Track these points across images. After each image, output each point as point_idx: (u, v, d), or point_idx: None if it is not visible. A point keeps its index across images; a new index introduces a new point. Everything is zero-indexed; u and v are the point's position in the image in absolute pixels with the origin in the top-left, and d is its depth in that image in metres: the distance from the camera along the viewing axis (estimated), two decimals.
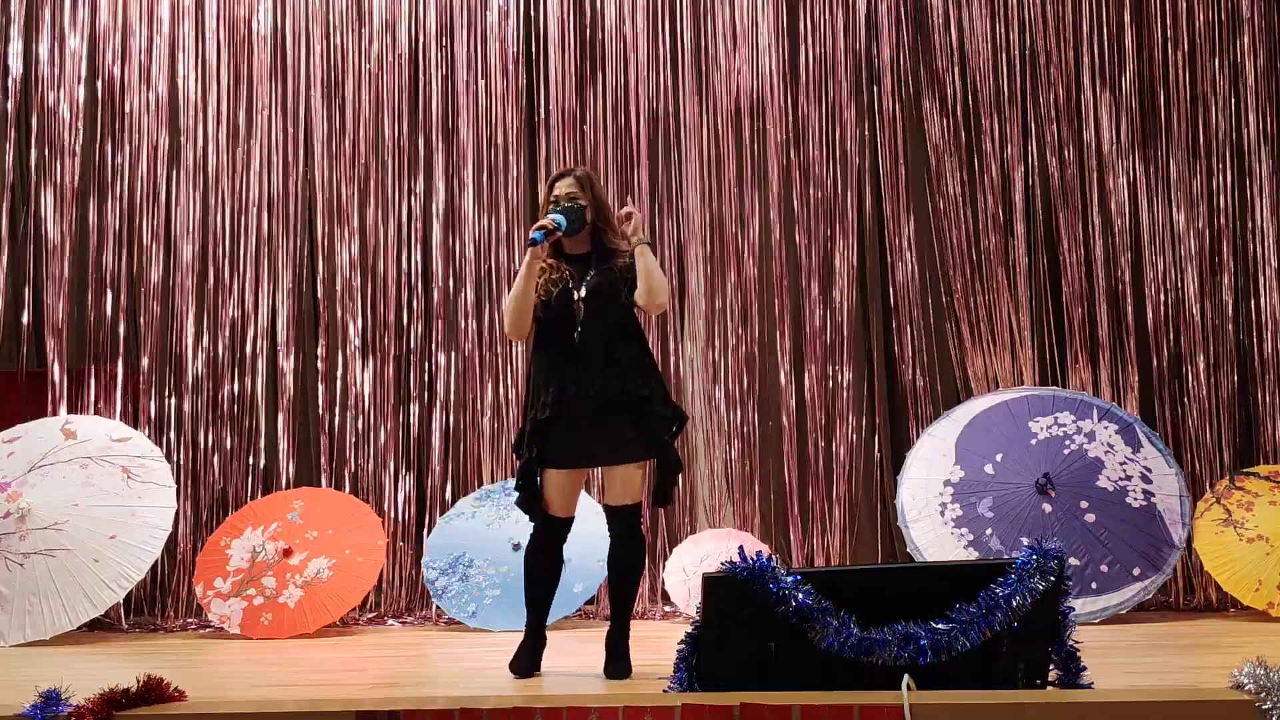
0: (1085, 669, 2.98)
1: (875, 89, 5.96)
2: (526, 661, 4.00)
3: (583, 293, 3.94)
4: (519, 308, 3.95)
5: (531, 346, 4.10)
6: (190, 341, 5.88)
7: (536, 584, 4.05)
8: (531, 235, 3.89)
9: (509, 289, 4.13)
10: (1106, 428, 5.28)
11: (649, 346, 4.14)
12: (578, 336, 3.91)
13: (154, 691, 2.83)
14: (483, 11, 6.00)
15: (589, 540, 4.91)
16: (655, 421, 3.97)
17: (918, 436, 5.58)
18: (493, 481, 5.70)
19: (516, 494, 4.04)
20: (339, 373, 5.90)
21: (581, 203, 3.99)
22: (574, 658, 4.11)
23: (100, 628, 5.34)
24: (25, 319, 5.90)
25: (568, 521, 4.01)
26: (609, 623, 4.08)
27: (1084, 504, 5.10)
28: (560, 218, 3.92)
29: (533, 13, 6.00)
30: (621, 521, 4.00)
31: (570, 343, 3.92)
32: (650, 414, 3.95)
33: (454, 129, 5.99)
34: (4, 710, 2.80)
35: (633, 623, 5.31)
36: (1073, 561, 4.89)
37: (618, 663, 3.98)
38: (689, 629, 2.98)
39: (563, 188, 4.02)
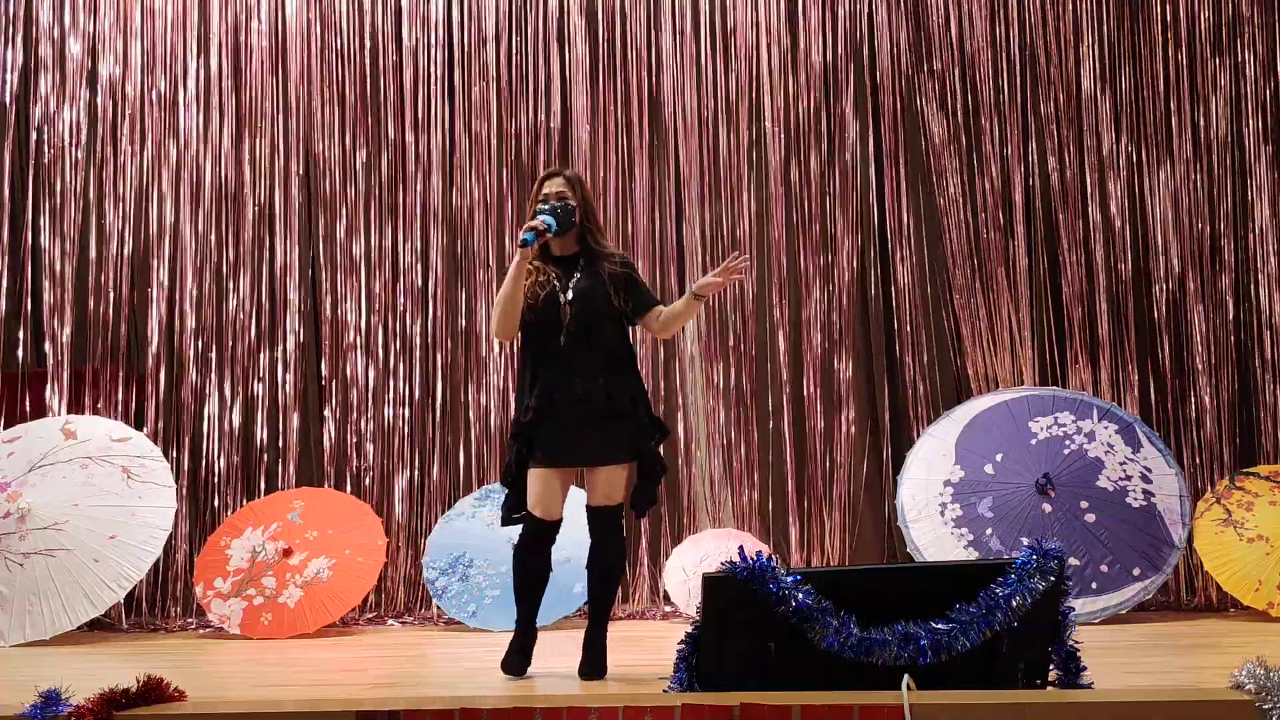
0: (1085, 669, 2.99)
1: (875, 89, 5.96)
2: (519, 660, 4.00)
3: (569, 295, 3.94)
4: (507, 309, 3.93)
5: (519, 348, 4.09)
6: (192, 340, 5.88)
7: (527, 581, 4.02)
8: (523, 237, 3.86)
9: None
10: (1106, 428, 5.28)
11: (634, 352, 4.16)
12: (563, 340, 3.91)
13: (154, 691, 2.84)
14: (483, 10, 6.00)
15: (588, 540, 4.90)
16: (641, 428, 3.98)
17: (918, 436, 5.58)
18: (493, 482, 5.70)
19: (505, 494, 4.03)
20: (340, 373, 5.90)
21: (571, 202, 3.98)
22: (573, 658, 4.10)
23: (100, 628, 5.34)
24: (25, 319, 5.89)
25: (554, 525, 3.97)
26: (587, 623, 4.06)
27: (1084, 504, 5.10)
28: (549, 218, 3.91)
29: (536, 13, 6.00)
30: (603, 522, 3.97)
31: (555, 345, 3.91)
32: (636, 420, 3.96)
33: (456, 127, 5.98)
34: (4, 710, 2.80)
35: (632, 623, 5.37)
36: (1073, 561, 4.89)
37: (594, 664, 3.97)
38: (689, 629, 2.98)
39: (552, 186, 4.01)
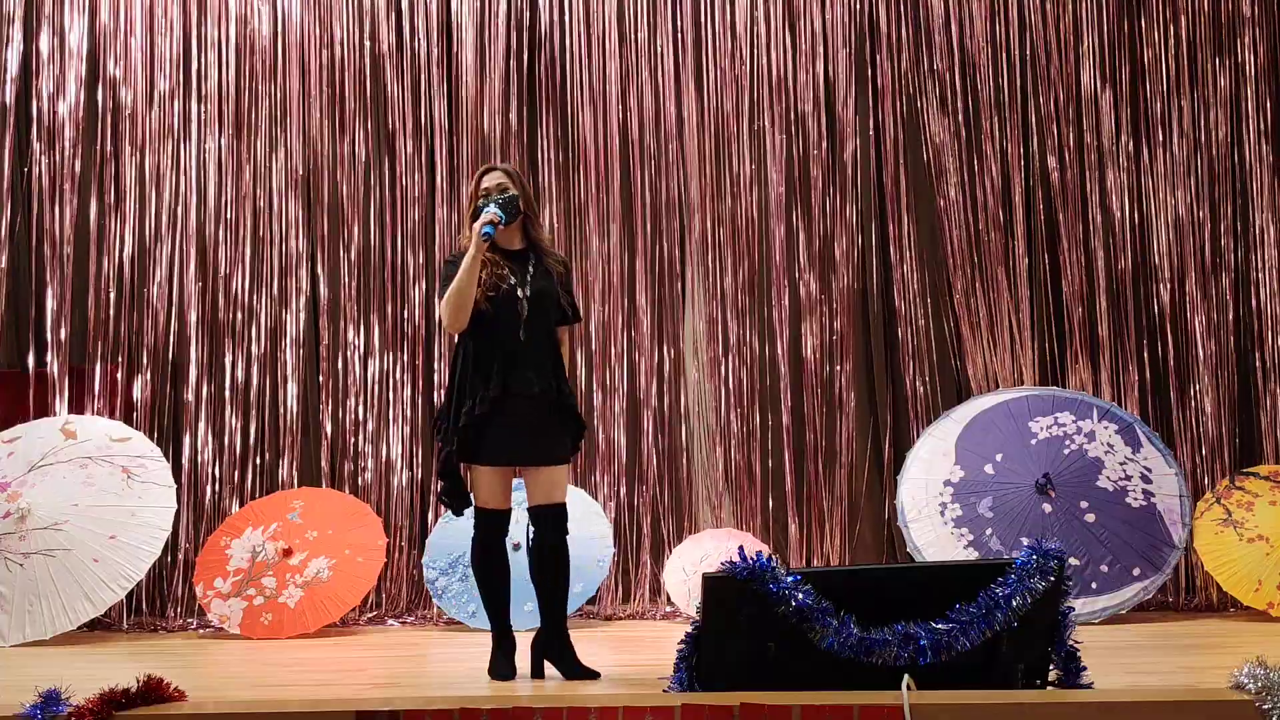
0: (1085, 669, 2.99)
1: (875, 89, 5.96)
2: (504, 668, 3.99)
3: (528, 292, 3.96)
4: (462, 301, 3.90)
5: (461, 340, 4.03)
6: (191, 341, 5.87)
7: (490, 585, 4.03)
8: (483, 230, 3.88)
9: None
10: (1106, 428, 5.28)
11: None
12: (522, 336, 3.93)
13: (154, 691, 2.84)
14: (483, 12, 6.00)
15: (588, 540, 4.91)
16: (576, 426, 4.05)
17: (918, 436, 5.58)
18: None
19: (441, 485, 4.01)
20: (340, 372, 5.89)
21: (514, 192, 4.02)
22: None
23: (100, 628, 5.34)
24: (25, 319, 5.89)
25: (505, 513, 4.01)
26: (545, 622, 4.01)
27: (1084, 504, 5.10)
28: (498, 210, 3.93)
29: (534, 13, 6.00)
30: (554, 520, 3.96)
31: (514, 342, 3.92)
32: (576, 418, 4.04)
33: (455, 128, 5.98)
34: (4, 710, 2.80)
35: (632, 623, 5.36)
36: (1073, 561, 4.88)
37: (574, 664, 3.94)
38: (689, 629, 2.99)
39: (492, 180, 4.05)
